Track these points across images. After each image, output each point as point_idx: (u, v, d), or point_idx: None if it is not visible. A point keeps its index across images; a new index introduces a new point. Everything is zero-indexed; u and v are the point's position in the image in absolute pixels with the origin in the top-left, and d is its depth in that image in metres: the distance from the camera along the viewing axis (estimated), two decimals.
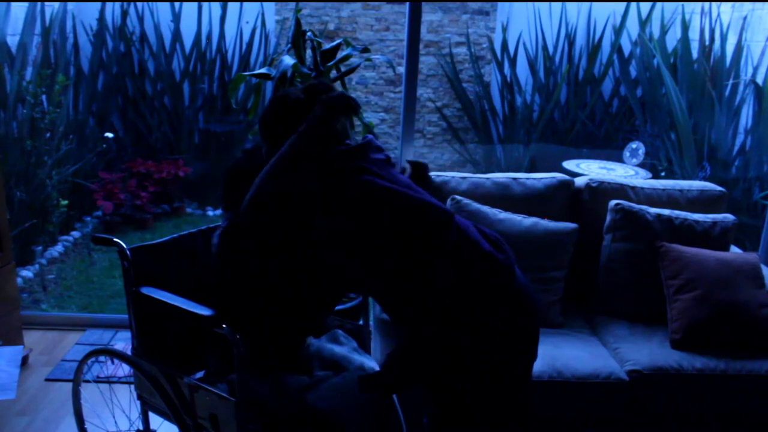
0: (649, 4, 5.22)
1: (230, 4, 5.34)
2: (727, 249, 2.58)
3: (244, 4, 5.41)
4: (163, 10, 5.28)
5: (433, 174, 2.62)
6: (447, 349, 1.57)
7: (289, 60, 2.87)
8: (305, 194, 1.53)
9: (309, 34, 3.00)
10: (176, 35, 5.30)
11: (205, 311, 1.62)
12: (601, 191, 2.64)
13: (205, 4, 5.29)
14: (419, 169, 1.86)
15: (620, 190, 2.65)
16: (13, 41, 4.11)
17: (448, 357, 1.57)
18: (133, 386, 1.98)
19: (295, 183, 1.53)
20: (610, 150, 5.34)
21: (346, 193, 1.52)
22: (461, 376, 1.59)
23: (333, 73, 3.03)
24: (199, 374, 1.95)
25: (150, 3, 5.23)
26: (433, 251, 1.51)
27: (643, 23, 5.14)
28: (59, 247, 4.46)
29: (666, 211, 2.56)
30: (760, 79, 4.29)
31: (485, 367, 1.59)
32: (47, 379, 2.75)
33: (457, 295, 1.53)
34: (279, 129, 1.63)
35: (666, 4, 5.20)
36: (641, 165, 4.34)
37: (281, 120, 1.64)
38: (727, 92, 4.52)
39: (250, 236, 1.67)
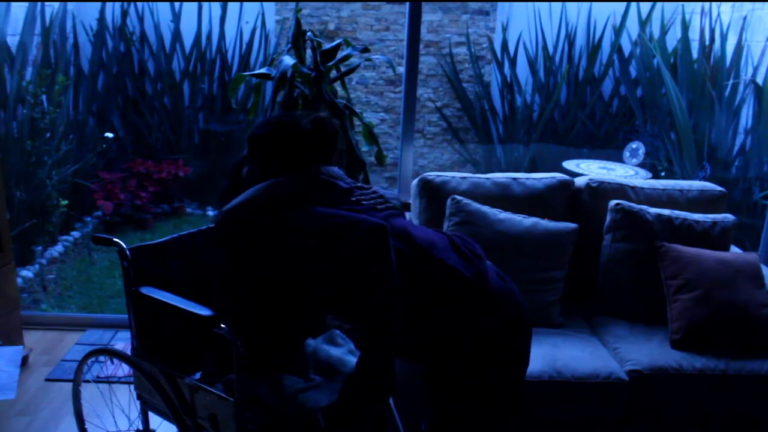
0: (649, 4, 5.22)
1: (230, 4, 5.34)
2: (727, 249, 2.58)
3: (244, 4, 5.41)
4: (163, 10, 5.28)
5: (432, 174, 2.62)
6: (434, 357, 1.56)
7: (289, 60, 2.87)
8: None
9: (309, 34, 3.00)
10: (176, 35, 5.30)
11: (204, 311, 1.62)
12: (601, 191, 2.64)
13: (205, 4, 5.29)
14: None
15: (620, 190, 2.65)
16: (13, 41, 4.11)
17: (437, 365, 1.57)
18: (132, 386, 1.98)
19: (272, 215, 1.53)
20: (610, 150, 5.34)
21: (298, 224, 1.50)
22: (455, 381, 1.59)
23: (333, 73, 3.04)
24: (198, 375, 1.95)
25: (150, 3, 5.23)
26: (368, 265, 1.44)
27: (643, 23, 5.14)
28: (59, 247, 4.46)
29: (666, 211, 2.56)
30: (760, 79, 4.29)
31: (476, 374, 1.58)
32: (47, 379, 2.75)
33: (419, 310, 1.52)
34: (276, 153, 1.61)
35: (666, 4, 5.20)
36: (641, 165, 4.33)
37: (282, 146, 1.61)
38: (727, 92, 4.52)
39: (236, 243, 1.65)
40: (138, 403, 1.99)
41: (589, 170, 4.16)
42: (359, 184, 1.67)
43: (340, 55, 3.02)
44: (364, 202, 1.59)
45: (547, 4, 5.57)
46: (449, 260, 1.55)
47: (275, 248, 1.52)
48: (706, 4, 4.79)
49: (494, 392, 1.63)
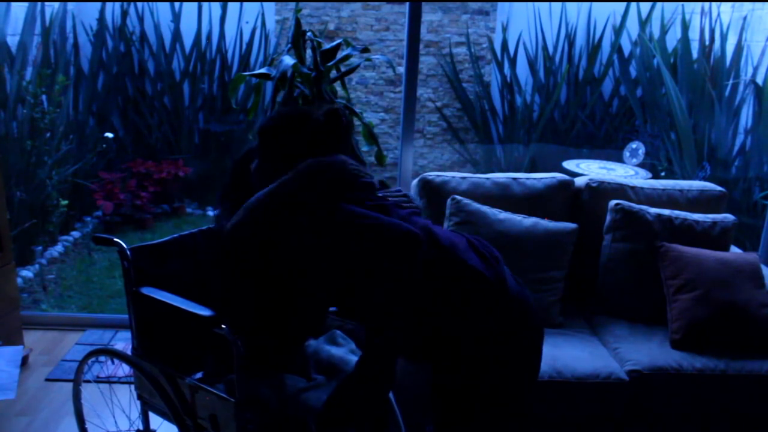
0: (649, 4, 5.22)
1: (230, 4, 5.34)
2: (727, 249, 2.59)
3: (244, 4, 5.41)
4: (163, 10, 5.28)
5: (432, 174, 2.62)
6: (445, 365, 1.57)
7: (289, 60, 2.87)
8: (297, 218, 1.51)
9: (309, 34, 3.00)
10: (176, 35, 5.30)
11: (204, 311, 1.62)
12: (601, 191, 2.64)
13: (205, 4, 5.29)
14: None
15: (620, 190, 2.65)
16: (13, 41, 4.11)
17: (449, 371, 1.57)
18: (133, 386, 1.98)
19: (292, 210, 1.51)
20: (610, 150, 5.34)
21: (333, 219, 1.49)
22: (463, 381, 1.59)
23: (333, 73, 3.04)
24: (198, 375, 1.95)
25: (150, 3, 5.23)
26: (400, 267, 1.44)
27: (643, 23, 5.14)
28: (59, 247, 4.46)
29: (666, 211, 2.56)
30: (760, 79, 4.29)
31: (485, 376, 1.58)
32: (47, 379, 2.75)
33: (434, 310, 1.52)
34: (287, 146, 1.59)
35: (666, 4, 5.20)
36: (641, 165, 4.34)
37: (294, 138, 1.59)
38: (727, 92, 4.52)
39: (243, 239, 1.64)
40: (138, 403, 1.99)
41: (589, 170, 4.17)
42: (383, 181, 1.68)
43: (340, 55, 3.02)
44: (390, 198, 1.59)
45: (547, 4, 5.57)
46: (471, 261, 1.55)
47: (284, 248, 1.51)
48: (706, 4, 4.78)
49: (502, 395, 1.62)
